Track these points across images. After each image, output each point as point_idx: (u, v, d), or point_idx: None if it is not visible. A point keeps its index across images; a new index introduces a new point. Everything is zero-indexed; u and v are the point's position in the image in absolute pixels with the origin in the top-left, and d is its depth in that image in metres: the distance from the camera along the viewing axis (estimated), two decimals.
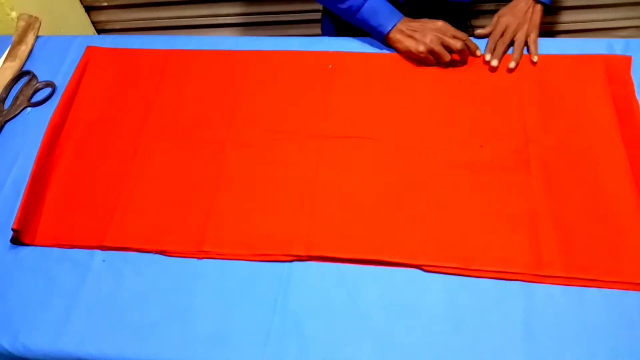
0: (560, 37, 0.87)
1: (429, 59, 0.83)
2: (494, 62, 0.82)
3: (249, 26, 1.56)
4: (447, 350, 0.61)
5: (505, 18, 0.85)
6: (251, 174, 0.76)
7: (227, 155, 0.78)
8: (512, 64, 0.82)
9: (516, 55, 0.83)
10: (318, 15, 1.50)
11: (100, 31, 1.58)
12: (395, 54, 0.87)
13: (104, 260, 0.70)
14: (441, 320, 0.63)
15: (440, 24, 0.83)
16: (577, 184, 0.71)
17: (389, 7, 0.86)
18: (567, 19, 1.45)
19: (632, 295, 0.62)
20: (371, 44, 0.90)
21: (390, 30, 0.84)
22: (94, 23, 1.56)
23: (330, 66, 0.87)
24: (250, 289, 0.66)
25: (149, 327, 0.64)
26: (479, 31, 0.87)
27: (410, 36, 0.84)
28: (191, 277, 0.68)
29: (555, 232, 0.67)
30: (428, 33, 0.82)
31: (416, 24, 0.84)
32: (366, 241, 0.68)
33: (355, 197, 0.72)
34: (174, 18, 1.55)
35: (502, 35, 0.84)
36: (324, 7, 1.07)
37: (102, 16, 1.55)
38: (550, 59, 0.84)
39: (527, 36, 0.84)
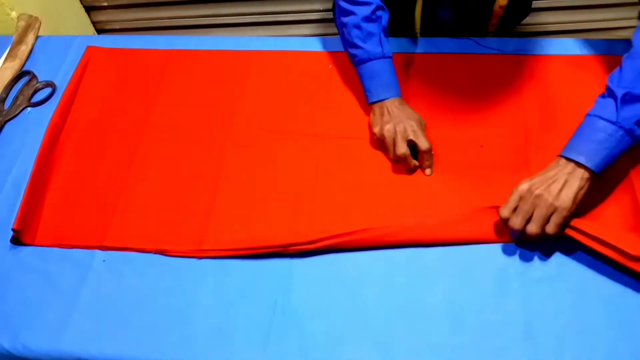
0: (560, 37, 0.87)
1: (381, 143, 0.76)
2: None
3: (249, 26, 1.55)
4: (447, 350, 0.61)
5: (527, 187, 0.63)
6: (251, 174, 0.76)
7: (227, 155, 0.78)
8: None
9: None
10: (318, 16, 1.51)
11: (100, 31, 1.58)
12: (395, 54, 0.87)
13: (104, 260, 0.70)
14: (441, 320, 0.63)
15: (415, 121, 0.74)
16: None
17: (389, 79, 0.77)
18: (567, 19, 1.45)
19: (632, 295, 0.62)
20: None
21: (374, 102, 0.77)
22: (94, 23, 1.56)
23: (330, 66, 0.87)
24: (250, 288, 0.66)
25: (149, 326, 0.64)
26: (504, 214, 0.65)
27: (381, 115, 0.75)
28: (191, 276, 0.68)
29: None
30: (395, 122, 0.73)
31: (396, 110, 0.74)
32: (366, 241, 0.68)
33: (355, 197, 0.72)
34: (174, 18, 1.55)
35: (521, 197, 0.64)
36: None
37: (102, 16, 1.55)
38: (550, 59, 0.84)
39: (562, 217, 0.62)
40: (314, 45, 0.90)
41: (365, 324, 0.63)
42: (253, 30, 1.56)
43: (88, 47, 0.93)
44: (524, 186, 0.63)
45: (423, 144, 0.72)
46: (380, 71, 0.77)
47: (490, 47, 0.86)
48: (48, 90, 0.89)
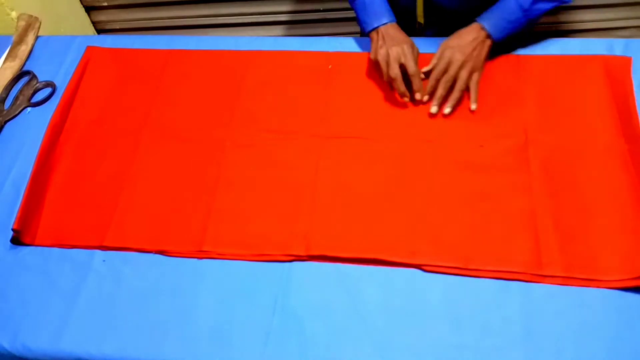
0: (560, 37, 0.87)
1: (378, 68, 0.81)
2: (433, 109, 0.78)
3: (248, 26, 1.56)
4: (447, 350, 0.61)
5: (450, 51, 0.78)
6: (251, 174, 0.76)
7: (227, 155, 0.78)
8: (447, 110, 0.78)
9: (455, 95, 0.78)
10: (318, 16, 1.51)
11: (100, 31, 1.58)
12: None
13: (104, 260, 0.70)
14: (441, 320, 0.63)
15: (407, 44, 0.79)
16: (577, 183, 0.71)
17: (379, 7, 0.83)
18: (567, 19, 1.45)
19: (632, 295, 0.62)
20: (370, 44, 0.89)
21: (370, 30, 0.83)
22: (94, 23, 1.56)
23: (330, 66, 0.87)
24: (250, 289, 0.66)
25: (149, 326, 0.64)
26: (424, 69, 0.80)
27: (377, 41, 0.81)
28: (191, 277, 0.68)
29: (554, 232, 0.67)
30: (388, 46, 0.79)
31: (389, 35, 0.80)
32: (366, 241, 0.68)
33: (355, 197, 0.72)
34: (173, 18, 1.55)
35: (444, 72, 0.78)
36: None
37: (102, 16, 1.55)
38: (550, 59, 0.84)
39: (470, 74, 0.78)
40: (314, 45, 0.90)
41: (365, 324, 0.63)
42: (253, 30, 1.56)
43: (88, 47, 0.93)
44: (444, 59, 0.78)
45: (411, 67, 0.78)
46: (371, 1, 0.82)
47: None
48: (48, 90, 0.89)
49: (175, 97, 0.86)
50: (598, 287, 0.63)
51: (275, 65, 0.88)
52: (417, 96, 0.79)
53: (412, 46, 0.80)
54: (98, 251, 0.71)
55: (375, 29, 0.82)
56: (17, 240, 0.72)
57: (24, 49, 0.94)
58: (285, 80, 0.86)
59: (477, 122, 0.78)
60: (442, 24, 0.91)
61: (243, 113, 0.83)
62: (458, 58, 0.77)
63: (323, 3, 1.48)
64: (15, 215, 0.72)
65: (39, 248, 0.72)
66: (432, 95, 0.79)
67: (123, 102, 0.86)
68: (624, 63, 0.81)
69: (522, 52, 0.85)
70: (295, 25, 1.54)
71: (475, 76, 0.78)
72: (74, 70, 0.90)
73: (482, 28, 0.78)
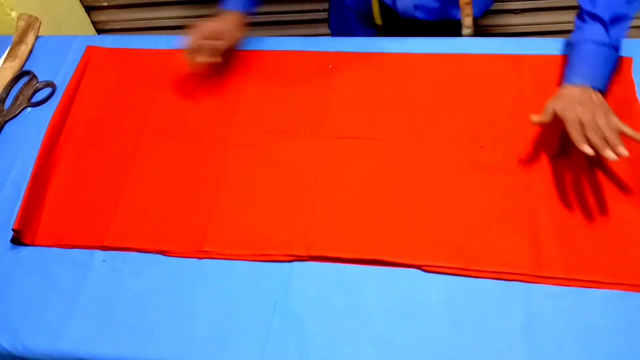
0: (560, 37, 0.87)
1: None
2: (610, 155, 0.62)
3: (249, 26, 1.55)
4: (447, 351, 0.61)
5: (573, 112, 0.66)
6: (251, 174, 0.76)
7: (227, 155, 0.78)
8: (621, 150, 0.62)
9: (614, 140, 0.63)
10: (318, 15, 1.51)
11: (100, 31, 1.58)
12: (395, 54, 0.87)
13: (104, 261, 0.70)
14: (441, 321, 0.63)
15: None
16: (577, 184, 0.71)
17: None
18: (567, 19, 1.45)
19: (632, 295, 0.62)
20: (371, 44, 0.89)
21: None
22: (94, 23, 1.56)
23: (330, 66, 0.87)
24: (250, 289, 0.66)
25: (149, 327, 0.64)
26: (537, 119, 0.70)
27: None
28: (191, 277, 0.68)
29: (555, 233, 0.67)
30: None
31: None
32: (366, 241, 0.68)
33: (355, 197, 0.72)
34: (173, 18, 1.55)
35: (582, 131, 0.65)
36: (330, 5, 1.06)
37: (102, 16, 1.55)
38: (550, 59, 0.84)
39: (606, 117, 0.65)
40: (314, 45, 0.90)
41: (365, 324, 0.63)
42: (253, 30, 1.55)
43: (88, 47, 0.93)
44: (575, 119, 0.65)
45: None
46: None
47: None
48: (48, 90, 0.89)
49: (175, 97, 0.86)
50: (598, 288, 0.63)
51: (275, 65, 0.88)
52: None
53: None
54: (98, 251, 0.71)
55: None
56: (17, 240, 0.72)
57: (23, 49, 0.95)
58: (285, 80, 0.86)
59: (477, 123, 0.78)
60: (399, 26, 0.91)
61: (243, 113, 0.83)
62: (586, 112, 0.65)
63: (323, 3, 1.48)
64: (15, 216, 0.72)
65: (39, 248, 0.72)
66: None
67: (123, 102, 0.86)
68: (625, 63, 0.81)
69: (522, 52, 0.85)
70: (295, 25, 1.54)
71: (613, 118, 0.65)
72: (74, 70, 0.90)
73: (581, 85, 0.69)
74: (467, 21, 0.89)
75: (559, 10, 1.44)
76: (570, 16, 1.32)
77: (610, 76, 0.72)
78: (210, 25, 0.82)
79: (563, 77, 0.74)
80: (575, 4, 0.79)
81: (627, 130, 0.64)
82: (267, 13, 1.52)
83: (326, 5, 1.46)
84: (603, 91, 0.70)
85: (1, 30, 1.14)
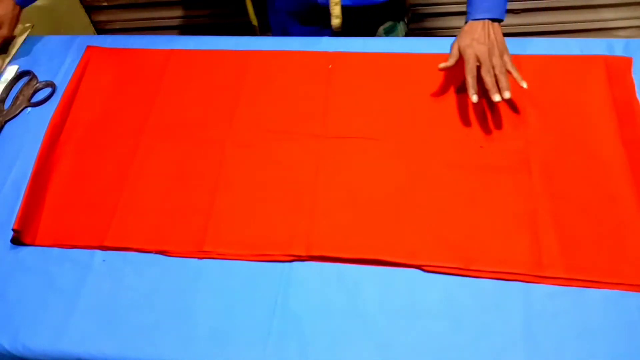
0: (560, 37, 0.86)
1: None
2: (497, 97, 0.73)
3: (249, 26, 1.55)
4: (447, 350, 0.61)
5: (471, 49, 0.75)
6: (251, 174, 0.76)
7: (227, 155, 0.78)
8: (506, 94, 0.73)
9: (504, 83, 0.73)
10: None
11: (100, 31, 1.58)
12: (395, 54, 0.87)
13: (104, 260, 0.70)
14: (441, 320, 0.63)
15: None
16: (577, 184, 0.71)
17: None
18: (567, 19, 1.45)
19: (632, 296, 0.62)
20: (371, 44, 0.90)
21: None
22: (94, 23, 1.56)
23: (330, 66, 0.87)
24: (250, 289, 0.66)
25: (149, 327, 0.64)
26: (442, 65, 0.78)
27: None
28: (191, 277, 0.68)
29: (555, 233, 0.67)
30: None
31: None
32: (366, 241, 0.68)
33: (355, 197, 0.72)
34: (173, 18, 1.55)
35: (478, 67, 0.75)
36: (270, 7, 1.07)
37: (102, 16, 1.55)
38: (550, 59, 0.84)
39: (501, 58, 0.75)
40: (314, 46, 0.90)
41: (365, 324, 0.63)
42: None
43: (88, 47, 0.93)
44: (471, 55, 0.75)
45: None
46: None
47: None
48: (48, 90, 0.89)
49: (175, 97, 0.86)
50: (598, 288, 0.63)
51: (275, 65, 0.88)
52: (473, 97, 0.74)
53: None
54: (98, 251, 0.71)
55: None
56: (17, 240, 0.72)
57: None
58: (285, 80, 0.86)
59: (477, 123, 0.78)
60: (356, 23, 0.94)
61: (243, 113, 0.83)
62: (482, 50, 0.75)
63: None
64: (15, 216, 0.72)
65: (39, 248, 0.72)
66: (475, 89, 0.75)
67: (123, 102, 0.86)
68: (625, 63, 0.81)
69: (522, 52, 0.85)
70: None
71: (506, 57, 0.75)
72: (74, 70, 0.90)
73: (482, 20, 0.77)
74: (336, 10, 0.92)
75: (559, 10, 1.44)
76: (571, 16, 1.32)
77: (505, 5, 0.79)
78: None
79: (466, 16, 0.80)
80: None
81: (513, 71, 0.74)
82: None
83: None
84: (502, 20, 0.78)
85: None
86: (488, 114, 0.79)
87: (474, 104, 0.80)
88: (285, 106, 0.83)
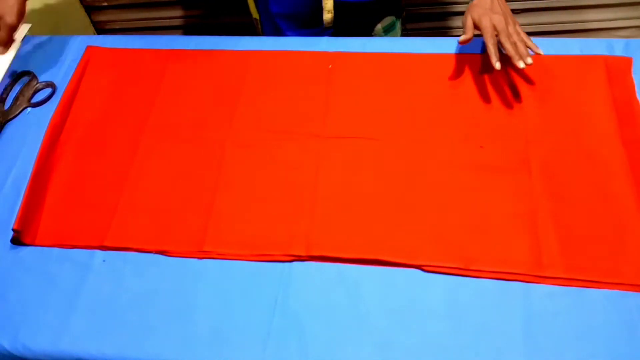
0: (560, 37, 0.86)
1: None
2: (521, 64, 0.74)
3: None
4: (447, 350, 0.61)
5: (488, 18, 0.76)
6: (251, 174, 0.76)
7: (227, 155, 0.78)
8: (528, 60, 0.74)
9: (523, 50, 0.75)
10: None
11: (100, 31, 1.58)
12: (395, 54, 0.87)
13: (104, 261, 0.70)
14: (441, 321, 0.63)
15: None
16: (577, 184, 0.71)
17: None
18: (567, 19, 1.45)
19: (632, 295, 0.62)
20: (371, 44, 0.90)
21: None
22: (94, 23, 1.56)
23: (330, 66, 0.87)
24: (250, 289, 0.67)
25: (149, 327, 0.65)
26: (462, 38, 0.79)
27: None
28: (191, 277, 0.68)
29: (555, 233, 0.67)
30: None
31: None
32: (366, 241, 0.68)
33: (355, 197, 0.72)
34: (174, 18, 1.55)
35: (496, 36, 0.77)
36: (260, 12, 1.07)
37: (102, 16, 1.56)
38: (550, 59, 0.84)
39: (515, 26, 0.77)
40: (314, 46, 0.90)
41: (365, 324, 0.63)
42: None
43: (88, 47, 0.93)
44: (488, 24, 0.76)
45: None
46: None
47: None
48: (48, 91, 0.89)
49: (175, 97, 0.86)
50: (599, 288, 0.63)
51: (276, 65, 0.88)
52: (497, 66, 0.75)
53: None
54: (98, 251, 0.71)
55: None
56: (17, 240, 0.72)
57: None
58: (285, 80, 0.86)
59: (477, 123, 0.78)
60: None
61: (243, 113, 0.83)
62: (499, 19, 0.76)
63: None
64: (15, 216, 0.72)
65: (39, 248, 0.72)
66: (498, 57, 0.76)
67: (123, 102, 0.86)
68: (625, 63, 0.81)
69: None
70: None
71: (518, 27, 0.77)
72: (74, 71, 0.90)
73: None
74: (328, 4, 0.93)
75: (559, 10, 1.44)
76: (571, 16, 1.33)
77: None
78: None
79: None
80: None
81: (527, 40, 0.76)
82: None
83: None
84: None
85: None
86: (488, 114, 0.79)
87: (474, 104, 0.80)
88: (285, 106, 0.83)
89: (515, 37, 0.76)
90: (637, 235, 0.66)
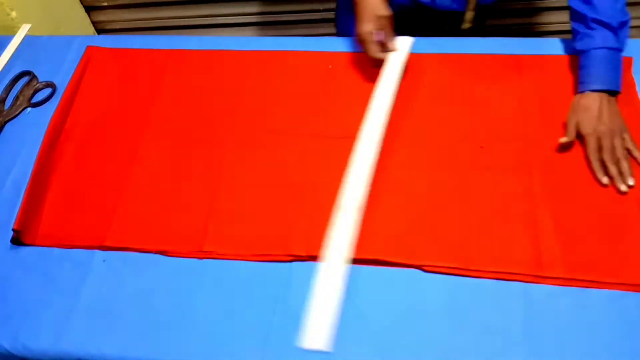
0: (560, 37, 0.87)
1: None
2: (623, 187, 0.70)
3: (249, 26, 1.56)
4: (447, 350, 0.61)
5: (591, 128, 0.73)
6: (251, 174, 0.76)
7: (227, 155, 0.78)
8: (631, 182, 0.70)
9: (625, 166, 0.71)
10: (318, 16, 1.51)
11: (100, 31, 1.58)
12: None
13: (104, 261, 0.70)
14: (441, 321, 0.63)
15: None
16: (577, 184, 0.71)
17: None
18: (567, 19, 1.45)
19: (632, 295, 0.62)
20: None
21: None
22: (94, 23, 1.56)
23: (330, 66, 0.87)
24: (250, 289, 0.67)
25: (149, 326, 0.65)
26: (562, 140, 0.74)
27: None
28: (191, 277, 0.68)
29: (555, 233, 0.67)
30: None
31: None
32: (366, 241, 0.68)
33: None
34: (174, 18, 1.55)
35: (600, 150, 0.72)
36: (339, 5, 1.06)
37: (102, 16, 1.56)
38: (551, 59, 0.84)
39: (622, 138, 0.73)
40: (314, 45, 0.90)
41: (365, 324, 0.63)
42: (253, 30, 1.56)
43: (88, 47, 0.93)
44: (592, 136, 0.73)
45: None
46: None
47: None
48: (48, 91, 0.89)
49: (175, 97, 0.86)
50: (598, 288, 0.63)
51: (276, 66, 0.88)
52: (604, 180, 0.71)
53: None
54: (98, 251, 0.71)
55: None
56: (17, 240, 0.72)
57: None
58: (285, 80, 0.86)
59: (477, 123, 0.78)
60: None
61: (243, 113, 0.83)
62: (604, 130, 0.73)
63: (323, 3, 1.48)
64: (15, 216, 0.72)
65: (40, 248, 0.72)
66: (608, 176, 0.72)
67: (123, 102, 0.86)
68: (625, 63, 0.81)
69: (522, 52, 0.85)
70: (295, 25, 1.54)
71: (627, 136, 0.73)
72: (74, 71, 0.90)
73: (597, 91, 0.75)
74: (469, 15, 0.90)
75: (559, 10, 1.44)
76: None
77: (618, 75, 0.76)
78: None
79: (579, 85, 0.78)
80: None
81: (634, 149, 0.73)
82: (268, 13, 1.52)
83: (327, 5, 1.47)
84: (619, 92, 0.76)
85: (1, 31, 1.14)
86: (488, 114, 0.79)
87: (474, 104, 0.81)
88: (285, 106, 0.83)
89: (619, 153, 0.72)
90: (637, 235, 0.66)
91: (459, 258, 0.66)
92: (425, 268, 0.66)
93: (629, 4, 0.77)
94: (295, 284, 0.66)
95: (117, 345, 0.64)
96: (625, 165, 0.71)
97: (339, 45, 0.90)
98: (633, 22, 1.42)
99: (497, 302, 0.63)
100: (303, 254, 0.68)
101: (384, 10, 0.79)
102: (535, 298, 0.63)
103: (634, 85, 0.79)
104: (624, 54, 0.79)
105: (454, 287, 0.65)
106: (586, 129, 0.74)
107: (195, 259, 0.69)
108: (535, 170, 0.73)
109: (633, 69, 0.82)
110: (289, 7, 1.50)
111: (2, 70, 0.93)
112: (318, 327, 0.61)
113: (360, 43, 0.81)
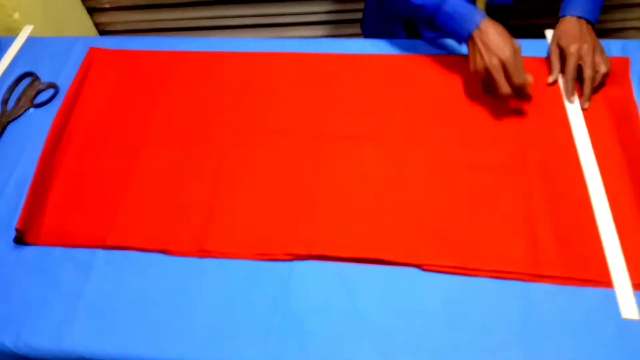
0: None
1: (482, 82, 0.79)
2: (586, 105, 0.78)
3: (250, 28, 1.56)
4: (446, 349, 0.61)
5: (575, 46, 0.77)
6: (252, 174, 0.76)
7: (228, 155, 0.79)
8: (586, 105, 0.77)
9: (589, 92, 0.78)
10: (319, 18, 1.52)
11: (102, 33, 1.59)
12: (395, 55, 0.88)
13: (106, 260, 0.71)
14: (440, 319, 0.63)
15: (508, 50, 0.74)
16: (575, 184, 0.71)
17: (464, 7, 0.77)
18: None
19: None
20: (371, 45, 0.90)
21: (467, 38, 0.77)
22: (96, 25, 1.56)
23: (330, 67, 0.87)
24: (250, 288, 0.67)
25: (151, 325, 0.65)
26: (551, 79, 0.81)
27: (473, 50, 0.77)
28: (192, 276, 0.68)
29: (553, 232, 0.67)
30: (491, 56, 0.74)
31: (491, 38, 0.75)
32: (366, 241, 0.69)
33: (355, 197, 0.73)
34: (176, 20, 1.56)
35: (575, 68, 0.78)
36: (367, 8, 1.06)
37: (104, 18, 1.56)
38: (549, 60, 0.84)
39: (602, 54, 0.78)
40: (315, 47, 0.91)
41: (365, 323, 0.63)
42: (254, 32, 1.56)
43: (91, 49, 0.94)
44: (573, 56, 0.78)
45: (515, 78, 0.75)
46: (453, 9, 0.77)
47: None
48: (51, 92, 0.90)
49: (177, 98, 0.86)
50: (596, 287, 0.63)
51: (276, 67, 0.89)
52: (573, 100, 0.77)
53: (515, 51, 0.75)
54: (100, 250, 0.71)
55: (471, 35, 0.76)
56: (20, 240, 0.72)
57: None
58: (286, 82, 0.87)
59: (476, 124, 0.79)
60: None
61: (244, 114, 0.83)
62: (586, 47, 0.77)
63: (323, 5, 1.48)
64: (18, 215, 0.73)
65: (42, 247, 0.72)
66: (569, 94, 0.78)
67: (125, 103, 0.87)
68: (623, 64, 0.82)
69: (521, 52, 0.86)
70: (296, 27, 1.55)
71: (605, 56, 0.79)
72: (76, 72, 0.90)
73: (579, 18, 0.80)
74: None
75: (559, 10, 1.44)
76: None
77: (599, 9, 0.82)
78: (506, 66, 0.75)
79: (560, 12, 0.83)
80: None
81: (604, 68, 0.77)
82: (269, 15, 1.52)
83: (326, 7, 1.47)
84: (595, 24, 0.81)
85: (4, 32, 1.15)
86: (487, 115, 0.80)
87: (473, 105, 0.81)
88: (286, 107, 0.83)
89: (601, 68, 0.77)
90: (634, 234, 0.67)
91: (457, 257, 0.67)
92: (424, 267, 0.66)
93: (629, 5, 0.78)
94: (295, 283, 0.67)
95: (119, 344, 0.64)
96: (589, 88, 0.77)
97: (339, 46, 0.90)
98: (632, 23, 1.42)
99: (495, 301, 0.64)
100: (303, 253, 0.68)
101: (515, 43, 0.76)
102: (533, 297, 0.63)
103: (630, 86, 0.79)
104: (624, 54, 0.80)
105: (453, 286, 0.65)
106: (570, 47, 0.77)
107: (196, 258, 0.70)
108: (532, 170, 0.73)
109: (631, 69, 0.82)
110: (289, 9, 1.50)
111: (4, 71, 0.93)
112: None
113: (491, 71, 0.75)
